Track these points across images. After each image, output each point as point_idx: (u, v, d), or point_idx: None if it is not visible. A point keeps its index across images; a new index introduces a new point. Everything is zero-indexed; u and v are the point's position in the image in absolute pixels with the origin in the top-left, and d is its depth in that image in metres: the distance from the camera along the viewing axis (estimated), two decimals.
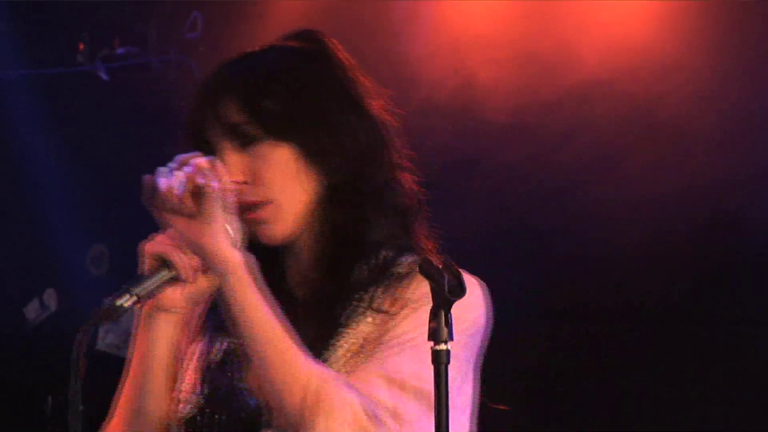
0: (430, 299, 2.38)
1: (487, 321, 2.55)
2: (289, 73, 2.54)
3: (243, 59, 2.58)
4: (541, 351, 5.73)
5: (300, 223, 2.54)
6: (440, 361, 2.30)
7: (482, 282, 2.55)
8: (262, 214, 2.52)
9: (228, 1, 5.61)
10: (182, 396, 2.57)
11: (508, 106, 5.55)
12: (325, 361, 2.47)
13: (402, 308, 2.49)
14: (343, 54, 2.60)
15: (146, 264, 2.43)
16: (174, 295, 2.44)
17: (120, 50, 5.89)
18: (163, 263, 2.41)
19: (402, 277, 2.53)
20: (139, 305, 2.39)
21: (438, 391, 2.28)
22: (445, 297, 2.30)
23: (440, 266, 2.31)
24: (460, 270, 2.38)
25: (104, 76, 5.89)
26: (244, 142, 2.52)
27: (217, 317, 2.57)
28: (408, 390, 2.43)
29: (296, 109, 2.52)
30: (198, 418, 2.54)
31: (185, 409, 2.55)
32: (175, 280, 2.42)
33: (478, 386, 2.56)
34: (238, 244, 2.46)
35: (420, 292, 2.49)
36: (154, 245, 2.43)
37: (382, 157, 2.57)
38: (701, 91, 5.39)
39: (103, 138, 5.76)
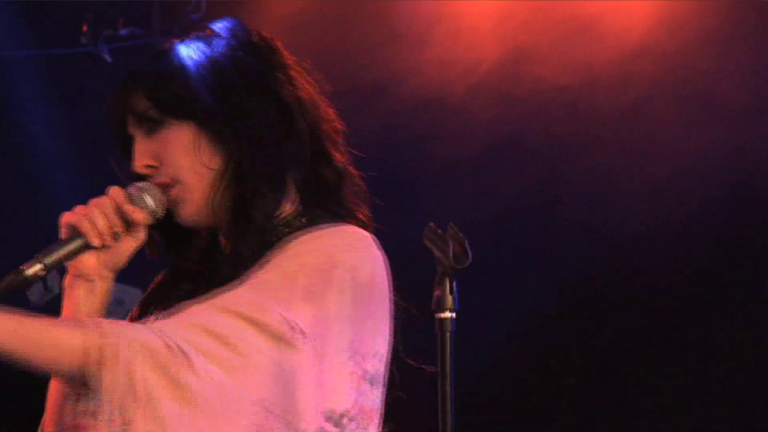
0: (301, 253, 2.42)
1: (384, 273, 2.50)
2: (190, 59, 2.55)
3: (152, 53, 2.63)
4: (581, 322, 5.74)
5: (209, 202, 2.54)
6: (444, 329, 2.35)
7: (371, 236, 2.52)
8: (172, 194, 2.53)
9: None
10: None
11: (552, 77, 5.58)
12: None
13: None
14: (260, 38, 2.62)
15: (61, 233, 2.45)
16: (90, 262, 2.46)
17: (124, 31, 5.86)
18: (75, 231, 2.43)
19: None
20: (45, 273, 2.37)
21: (442, 357, 2.33)
22: (449, 264, 2.34)
23: (444, 233, 2.35)
24: (345, 225, 2.48)
25: (108, 58, 5.87)
26: (151, 127, 2.53)
27: (167, 289, 2.60)
28: (230, 313, 2.36)
29: (194, 90, 2.53)
30: None
31: None
32: (87, 247, 2.43)
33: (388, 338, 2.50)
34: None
35: (293, 250, 2.46)
36: (68, 214, 2.45)
37: (293, 137, 2.55)
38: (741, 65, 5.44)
39: (106, 119, 5.76)
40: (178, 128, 2.53)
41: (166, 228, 2.59)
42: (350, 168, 2.60)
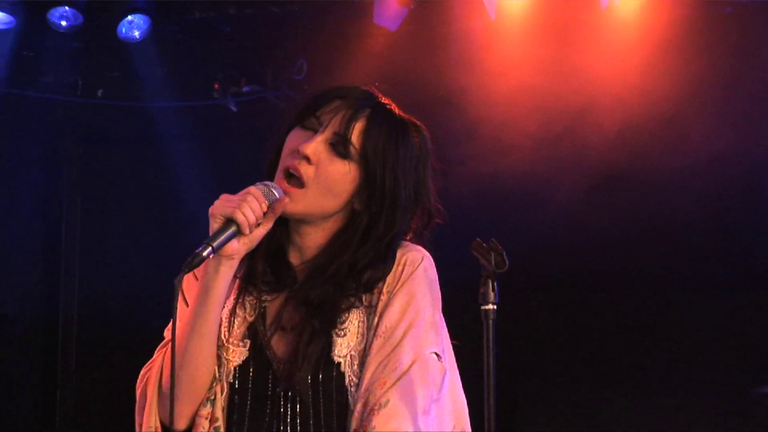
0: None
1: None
2: (395, 141, 2.46)
3: (380, 107, 2.49)
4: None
5: (311, 215, 2.45)
6: (488, 318, 2.30)
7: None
8: (290, 189, 2.42)
9: (326, 51, 5.59)
10: (231, 343, 2.47)
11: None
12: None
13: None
14: (423, 137, 2.52)
15: (216, 222, 2.35)
16: (234, 245, 2.37)
17: (245, 88, 5.91)
18: (228, 221, 2.35)
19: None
20: (212, 254, 2.32)
21: (487, 343, 2.28)
22: (491, 269, 2.29)
23: (487, 246, 2.29)
24: (417, 246, 2.45)
25: (233, 108, 5.92)
26: (336, 146, 2.44)
27: (256, 276, 2.50)
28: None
29: (387, 159, 2.44)
30: (243, 370, 2.45)
31: (236, 358, 2.46)
32: (237, 233, 2.36)
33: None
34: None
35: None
36: (220, 207, 2.36)
37: (414, 214, 2.50)
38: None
39: (232, 154, 5.78)
40: (348, 163, 2.44)
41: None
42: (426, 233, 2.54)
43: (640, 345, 5.59)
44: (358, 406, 2.35)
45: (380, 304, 2.41)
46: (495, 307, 2.29)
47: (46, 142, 6.17)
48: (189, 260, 2.27)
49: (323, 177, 2.41)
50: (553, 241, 5.49)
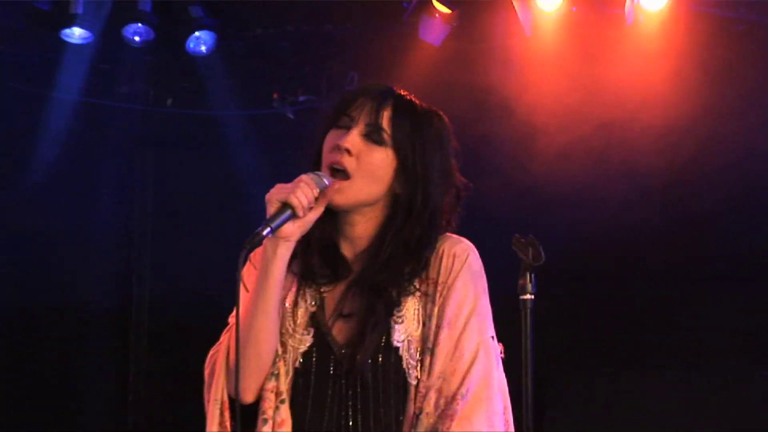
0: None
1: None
2: (419, 125, 2.54)
3: (401, 97, 2.56)
4: None
5: (360, 203, 2.49)
6: (526, 307, 2.39)
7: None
8: (336, 182, 2.47)
9: (375, 64, 5.65)
10: (296, 331, 2.51)
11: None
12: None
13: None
14: (447, 124, 2.59)
15: (273, 207, 2.40)
16: (290, 228, 2.42)
17: (301, 98, 5.98)
18: (284, 205, 2.41)
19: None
20: (271, 234, 2.37)
21: (525, 331, 2.37)
22: (529, 263, 2.39)
23: (526, 241, 2.40)
24: (461, 238, 2.51)
25: (291, 116, 6.01)
26: (370, 135, 2.49)
27: (312, 270, 2.53)
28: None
29: (415, 141, 2.52)
30: (307, 356, 2.49)
31: (301, 346, 2.50)
32: (293, 216, 2.41)
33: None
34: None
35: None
36: (276, 193, 2.41)
37: (443, 196, 2.54)
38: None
39: (290, 157, 5.87)
40: (386, 150, 2.49)
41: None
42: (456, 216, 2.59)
43: (664, 332, 5.58)
44: (432, 394, 2.39)
45: (437, 295, 2.46)
46: (533, 297, 2.37)
47: (121, 147, 6.25)
48: (250, 239, 2.33)
49: (365, 165, 2.46)
50: (587, 236, 5.50)
